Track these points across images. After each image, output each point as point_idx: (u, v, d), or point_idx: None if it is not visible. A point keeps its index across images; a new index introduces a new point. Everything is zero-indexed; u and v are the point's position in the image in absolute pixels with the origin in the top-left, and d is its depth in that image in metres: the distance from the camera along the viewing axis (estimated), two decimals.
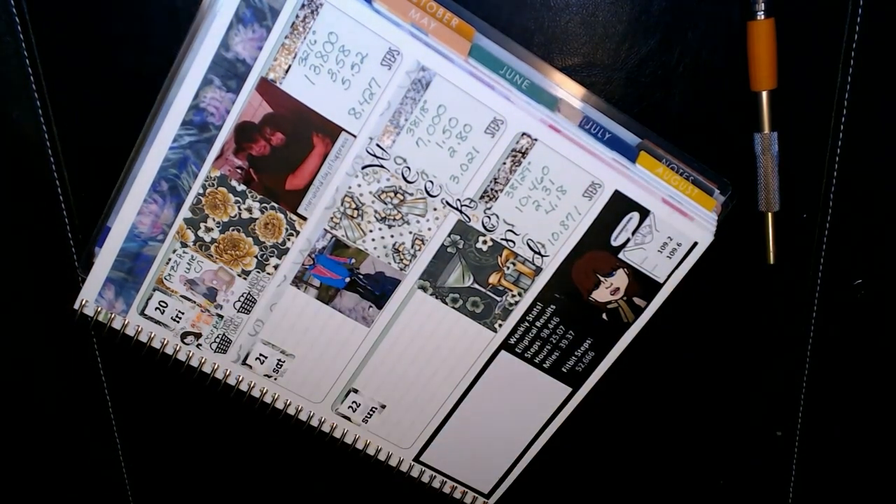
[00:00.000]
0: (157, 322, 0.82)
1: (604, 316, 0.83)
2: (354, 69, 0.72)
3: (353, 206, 0.77)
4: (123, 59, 0.77)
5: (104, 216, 0.79)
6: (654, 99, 0.81)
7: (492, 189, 0.76)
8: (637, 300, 0.82)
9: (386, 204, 0.77)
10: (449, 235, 0.78)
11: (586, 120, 0.77)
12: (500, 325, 0.83)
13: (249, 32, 0.71)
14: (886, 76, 0.82)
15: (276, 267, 0.80)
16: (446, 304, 0.82)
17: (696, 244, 0.79)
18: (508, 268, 0.80)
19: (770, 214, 0.84)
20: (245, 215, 0.77)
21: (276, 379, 0.85)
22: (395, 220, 0.77)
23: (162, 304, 0.81)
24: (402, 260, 0.79)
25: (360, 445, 0.90)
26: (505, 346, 0.84)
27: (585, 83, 0.79)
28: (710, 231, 0.79)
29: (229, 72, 0.72)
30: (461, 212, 0.77)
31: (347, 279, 0.80)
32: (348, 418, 0.88)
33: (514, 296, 0.81)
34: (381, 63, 0.72)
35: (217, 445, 0.89)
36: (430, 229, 0.78)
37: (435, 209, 0.77)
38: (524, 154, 0.75)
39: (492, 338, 0.83)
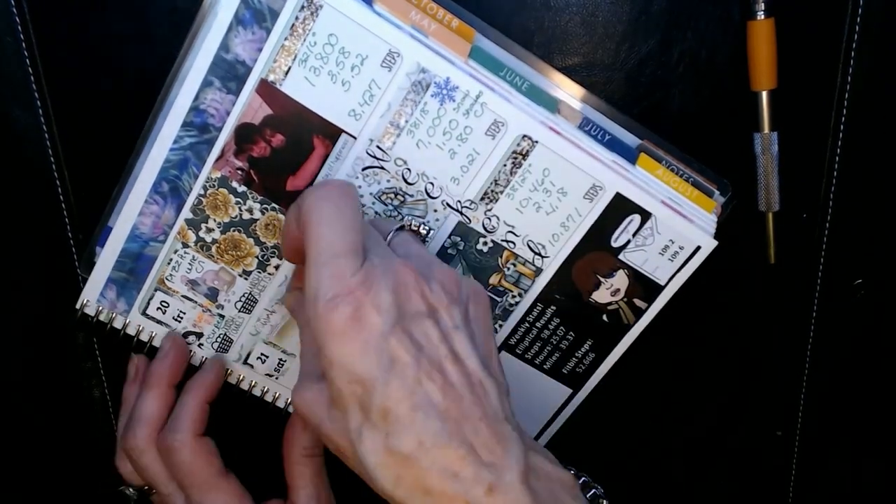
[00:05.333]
0: (159, 322, 0.82)
1: (604, 317, 0.83)
2: (354, 71, 0.72)
3: None
4: (124, 58, 0.78)
5: (105, 216, 0.79)
6: (654, 99, 0.81)
7: (492, 191, 0.76)
8: (638, 302, 0.82)
9: (386, 205, 0.77)
10: (449, 237, 0.78)
11: (586, 121, 0.77)
12: (501, 326, 0.83)
13: (249, 34, 0.71)
14: (886, 76, 0.82)
15: (277, 267, 0.80)
16: None
17: (698, 248, 0.79)
18: (509, 269, 0.80)
19: (770, 214, 0.84)
20: (246, 216, 0.77)
21: (277, 378, 0.85)
22: (395, 221, 0.77)
23: (163, 304, 0.81)
24: None
25: None
26: (505, 346, 0.84)
27: (585, 83, 0.79)
28: (710, 233, 0.79)
29: (229, 73, 0.72)
30: (462, 213, 0.77)
31: None
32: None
33: (514, 297, 0.81)
34: (381, 65, 0.72)
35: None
36: (430, 230, 0.78)
37: (435, 211, 0.77)
38: (525, 156, 0.75)
39: None
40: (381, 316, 0.60)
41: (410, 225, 0.72)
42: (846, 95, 0.82)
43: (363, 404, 0.60)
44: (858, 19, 0.80)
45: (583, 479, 0.71)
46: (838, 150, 0.84)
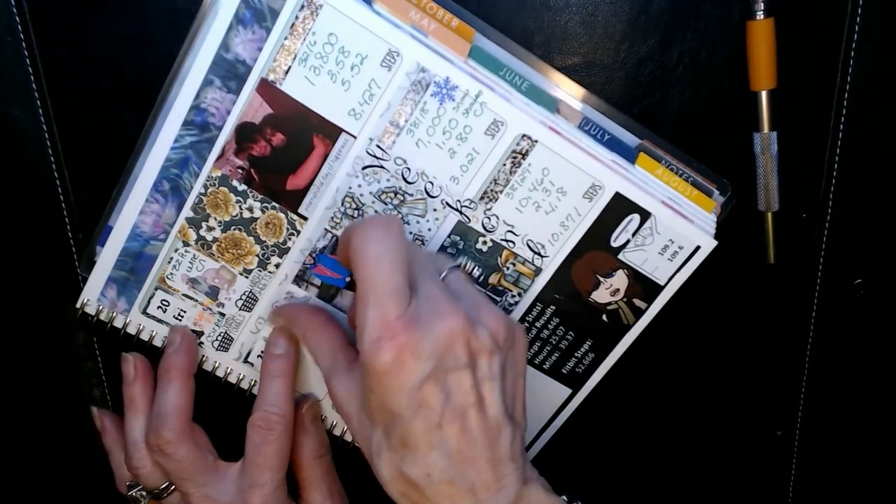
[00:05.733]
0: (160, 321, 0.82)
1: (604, 317, 0.83)
2: (354, 70, 0.72)
3: (354, 206, 0.77)
4: (124, 58, 0.78)
5: (105, 215, 0.79)
6: (654, 99, 0.81)
7: (492, 190, 0.76)
8: (637, 302, 0.82)
9: (386, 204, 0.77)
10: (449, 236, 0.78)
11: (586, 121, 0.77)
12: None
13: (249, 33, 0.71)
14: (886, 76, 0.82)
15: (277, 265, 0.80)
16: None
17: (698, 248, 0.79)
18: (508, 268, 0.80)
19: (770, 214, 0.84)
20: (246, 215, 0.77)
21: None
22: None
23: (164, 302, 0.81)
24: None
25: None
26: None
27: (585, 83, 0.79)
28: (709, 233, 0.79)
29: (229, 73, 0.72)
30: (461, 212, 0.77)
31: (348, 279, 0.80)
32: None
33: (513, 296, 0.81)
34: (380, 64, 0.72)
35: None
36: (430, 230, 0.78)
37: (435, 210, 0.77)
38: (524, 155, 0.75)
39: None
40: (420, 364, 0.64)
41: (465, 267, 0.76)
42: (846, 95, 0.82)
43: (387, 430, 0.67)
44: (858, 19, 0.80)
45: None
46: (838, 150, 0.84)
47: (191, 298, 0.81)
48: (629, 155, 0.78)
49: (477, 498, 0.68)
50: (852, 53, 0.81)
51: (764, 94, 0.80)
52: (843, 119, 0.83)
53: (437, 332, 0.65)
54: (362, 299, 0.65)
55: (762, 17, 0.77)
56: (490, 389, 0.68)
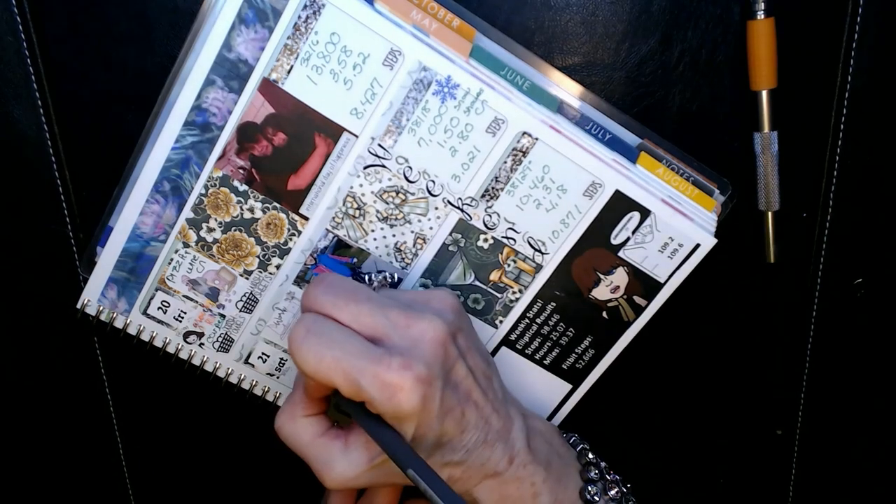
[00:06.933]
0: (160, 322, 0.82)
1: (604, 314, 0.83)
2: (356, 69, 0.72)
3: (355, 205, 0.77)
4: (124, 58, 0.78)
5: (106, 216, 0.79)
6: (654, 98, 0.81)
7: (493, 188, 0.76)
8: (637, 299, 0.82)
9: (388, 203, 0.77)
10: (450, 234, 0.78)
11: (586, 120, 0.78)
12: (501, 322, 0.83)
13: (252, 33, 0.71)
14: (886, 76, 0.82)
15: (278, 267, 0.80)
16: None
17: (698, 246, 0.79)
18: (509, 265, 0.80)
19: (770, 213, 0.84)
20: (247, 215, 0.77)
21: (278, 377, 0.85)
22: (396, 219, 0.78)
23: (164, 303, 0.81)
24: (403, 259, 0.79)
25: None
26: (506, 342, 0.84)
27: (585, 83, 0.79)
28: (710, 232, 0.79)
29: (231, 72, 0.72)
30: (462, 210, 0.77)
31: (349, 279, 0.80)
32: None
33: (514, 293, 0.81)
34: (382, 63, 0.72)
35: (219, 444, 0.89)
36: (431, 228, 0.78)
37: (436, 208, 0.77)
38: (525, 153, 0.75)
39: (493, 334, 0.84)
40: (435, 386, 0.67)
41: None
42: (846, 95, 0.82)
43: (416, 444, 0.69)
44: (858, 19, 0.80)
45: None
46: (838, 150, 0.84)
47: (191, 300, 0.81)
48: (630, 154, 0.78)
49: (505, 442, 0.74)
50: (852, 53, 0.81)
51: (764, 94, 0.80)
52: (843, 119, 0.83)
53: (427, 351, 0.67)
54: (352, 383, 0.65)
55: (762, 16, 0.77)
56: (472, 356, 0.73)
